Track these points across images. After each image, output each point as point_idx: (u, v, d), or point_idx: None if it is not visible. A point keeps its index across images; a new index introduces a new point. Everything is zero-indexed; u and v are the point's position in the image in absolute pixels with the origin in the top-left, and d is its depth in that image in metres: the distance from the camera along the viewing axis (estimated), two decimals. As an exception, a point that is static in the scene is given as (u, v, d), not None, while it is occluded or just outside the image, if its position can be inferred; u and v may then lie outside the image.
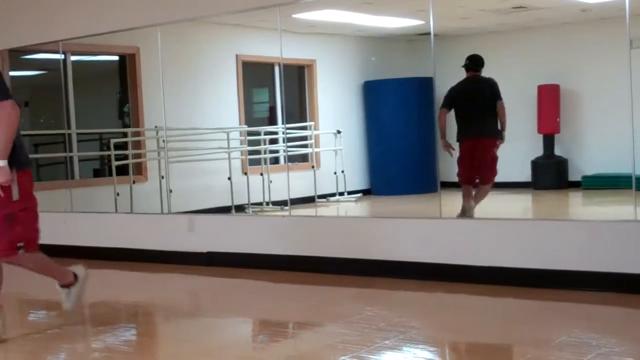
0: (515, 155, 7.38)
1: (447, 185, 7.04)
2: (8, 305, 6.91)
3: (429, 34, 6.40)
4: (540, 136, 8.64)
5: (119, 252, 8.01)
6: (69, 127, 9.09)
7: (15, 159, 4.83)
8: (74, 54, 9.09)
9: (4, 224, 4.83)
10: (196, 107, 8.92)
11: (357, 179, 9.05)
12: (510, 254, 5.86)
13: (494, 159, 7.16)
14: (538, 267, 5.72)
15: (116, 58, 9.55)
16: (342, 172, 8.84)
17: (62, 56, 8.89)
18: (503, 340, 4.70)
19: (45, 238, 8.68)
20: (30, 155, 10.05)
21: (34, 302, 6.73)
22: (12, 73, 9.54)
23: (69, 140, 9.19)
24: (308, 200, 8.43)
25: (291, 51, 7.91)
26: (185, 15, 7.61)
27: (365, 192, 8.99)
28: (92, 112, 9.73)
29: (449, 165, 7.12)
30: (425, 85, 6.96)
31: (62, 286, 5.36)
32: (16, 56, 9.52)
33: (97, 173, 9.92)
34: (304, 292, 6.28)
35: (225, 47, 8.96)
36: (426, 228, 6.35)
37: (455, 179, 7.17)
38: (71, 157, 9.18)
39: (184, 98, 8.74)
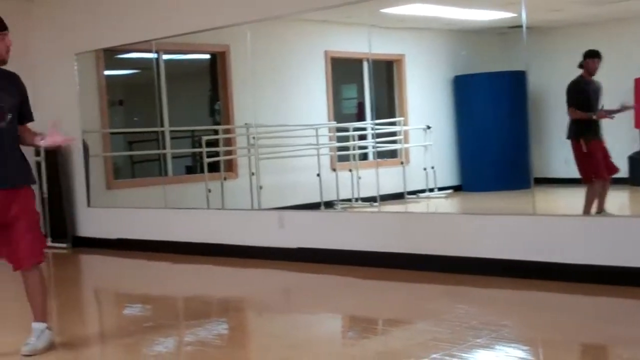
0: (612, 150, 7.20)
1: (541, 182, 6.91)
2: (105, 300, 7.12)
3: (521, 26, 6.29)
4: (637, 131, 8.40)
5: (210, 247, 8.14)
6: (162, 125, 9.27)
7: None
8: (166, 52, 9.26)
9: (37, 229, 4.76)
10: (285, 104, 8.98)
11: (448, 174, 8.96)
12: (602, 251, 5.72)
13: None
14: (633, 265, 5.57)
15: (207, 56, 9.70)
16: (432, 168, 8.77)
17: (155, 55, 9.07)
18: (596, 340, 4.60)
19: (140, 234, 8.94)
20: (125, 153, 10.38)
21: (129, 296, 6.89)
22: (106, 72, 9.80)
23: (162, 137, 9.38)
24: (397, 197, 8.39)
25: (380, 46, 7.88)
26: (275, 13, 7.67)
27: (456, 188, 8.90)
28: (184, 110, 9.89)
29: (542, 161, 7.00)
30: (517, 79, 6.84)
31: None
32: (111, 56, 9.76)
33: (189, 170, 10.09)
34: (393, 289, 6.27)
35: (313, 43, 8.99)
36: (519, 225, 6.25)
37: (550, 175, 7.05)
38: (164, 155, 9.37)
39: (274, 95, 8.81)
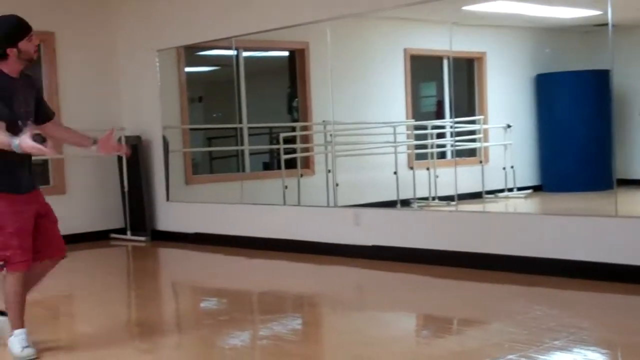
0: None
1: (624, 183, 6.76)
2: (182, 292, 7.22)
3: (606, 24, 6.15)
4: None
5: (286, 243, 8.18)
6: (240, 122, 9.36)
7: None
8: (246, 49, 9.34)
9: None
10: (363, 102, 8.97)
11: (527, 174, 8.84)
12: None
13: None
14: None
15: (286, 53, 9.75)
16: (512, 167, 8.65)
17: (235, 52, 9.16)
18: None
19: (217, 229, 9.04)
20: (204, 149, 10.51)
21: (205, 290, 6.97)
22: (187, 69, 9.93)
23: (240, 134, 9.47)
24: (475, 196, 8.31)
25: (460, 44, 7.81)
26: (355, 11, 7.66)
27: (536, 189, 8.77)
28: (263, 107, 9.97)
29: (625, 162, 6.84)
30: (601, 78, 6.69)
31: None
32: (191, 52, 9.89)
33: (267, 166, 10.17)
34: (469, 289, 6.21)
35: (393, 41, 8.96)
36: (600, 227, 6.13)
37: (633, 177, 6.88)
38: (242, 151, 9.46)
39: (352, 93, 8.81)
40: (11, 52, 4.40)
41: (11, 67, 4.47)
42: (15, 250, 4.41)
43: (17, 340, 4.46)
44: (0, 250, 4.42)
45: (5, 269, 4.44)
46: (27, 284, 4.61)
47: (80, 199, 9.80)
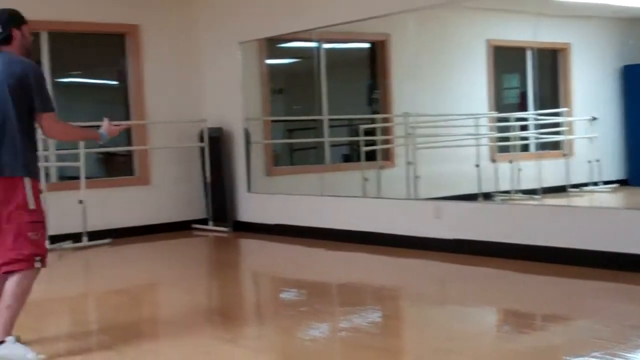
0: None
1: None
2: (262, 283, 7.29)
3: (697, 13, 5.98)
4: None
5: (366, 235, 8.18)
6: (320, 114, 9.38)
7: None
8: (327, 41, 9.36)
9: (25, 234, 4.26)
10: (445, 93, 8.90)
11: (613, 168, 8.64)
12: None
13: None
14: None
15: (367, 45, 9.73)
16: (597, 160, 8.48)
17: (316, 44, 9.18)
18: None
19: (297, 220, 9.10)
20: (285, 141, 10.59)
21: (285, 281, 7.01)
22: (268, 61, 10.00)
23: (320, 126, 9.49)
24: (559, 190, 8.17)
25: (545, 35, 7.68)
26: (437, 1, 7.61)
27: (622, 182, 8.57)
28: (343, 99, 9.97)
29: None
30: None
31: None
32: (273, 45, 9.95)
33: (347, 158, 10.18)
34: (552, 284, 6.11)
35: (475, 31, 8.86)
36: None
37: None
38: (323, 143, 9.48)
39: (433, 84, 8.75)
40: (17, 33, 4.38)
41: (16, 53, 4.41)
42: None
43: (18, 346, 4.21)
44: (44, 245, 4.35)
45: (40, 264, 4.27)
46: None
47: (164, 190, 9.96)
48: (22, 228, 4.21)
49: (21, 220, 4.21)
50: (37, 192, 4.29)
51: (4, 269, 4.24)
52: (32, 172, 4.29)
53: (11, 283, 4.22)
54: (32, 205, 4.23)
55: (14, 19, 4.43)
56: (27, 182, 4.23)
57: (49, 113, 4.33)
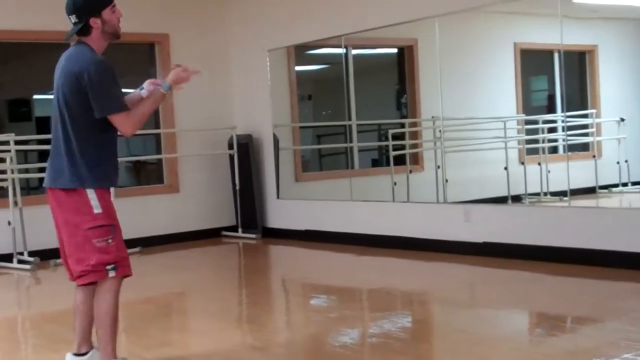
0: None
1: None
2: (292, 289, 7.29)
3: None
4: None
5: (395, 240, 8.15)
6: (349, 119, 9.38)
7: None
8: (354, 47, 9.37)
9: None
10: (473, 97, 8.86)
11: (643, 168, 8.58)
12: None
13: None
14: None
15: (394, 50, 9.72)
16: (626, 161, 8.40)
17: (344, 50, 9.18)
18: None
19: (327, 225, 9.10)
20: (314, 146, 10.58)
21: (315, 287, 7.01)
22: (297, 67, 10.02)
23: (349, 131, 9.49)
24: (588, 191, 8.10)
25: (571, 37, 7.63)
26: (464, 6, 7.59)
27: (651, 183, 8.51)
28: (371, 104, 9.97)
29: None
30: None
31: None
32: (301, 51, 9.97)
33: (375, 163, 10.16)
34: (583, 286, 6.06)
35: (502, 35, 8.83)
36: None
37: None
38: (351, 148, 9.48)
39: (461, 88, 8.71)
40: (95, 23, 3.83)
41: (97, 43, 3.91)
42: (126, 252, 3.95)
43: None
44: (117, 251, 3.85)
45: (115, 272, 3.83)
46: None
47: (193, 198, 10.00)
48: (87, 235, 3.79)
49: (84, 227, 3.79)
50: (102, 197, 3.86)
51: (78, 282, 3.90)
52: (95, 181, 3.85)
53: (95, 303, 3.88)
54: (97, 209, 3.82)
55: (92, 4, 3.84)
56: (90, 192, 3.83)
57: (115, 115, 3.81)
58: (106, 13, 3.87)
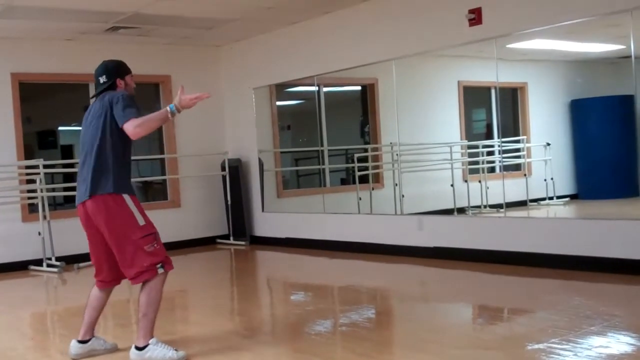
0: None
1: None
2: (275, 287, 7.27)
3: (629, 56, 6.01)
4: None
5: (360, 245, 8.17)
6: (321, 145, 9.40)
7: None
8: (325, 85, 9.38)
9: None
10: (424, 126, 8.90)
11: (565, 184, 8.63)
12: None
13: None
14: None
15: (359, 88, 9.75)
16: (552, 179, 8.47)
17: (317, 88, 9.21)
18: None
19: (304, 234, 9.08)
20: (292, 168, 10.58)
21: (294, 285, 7.00)
22: (278, 102, 10.03)
23: (321, 155, 9.50)
24: (521, 204, 8.15)
25: (505, 76, 7.70)
26: (416, 50, 7.66)
27: (573, 197, 8.55)
28: (340, 132, 9.98)
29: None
30: (626, 102, 6.53)
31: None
32: (281, 89, 9.99)
33: (343, 181, 10.16)
34: (517, 283, 6.10)
35: (448, 74, 8.88)
36: (629, 228, 5.96)
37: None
38: (323, 169, 9.49)
39: (414, 119, 8.74)
40: (120, 83, 4.23)
41: None
42: (166, 251, 4.17)
43: (160, 346, 4.06)
44: (162, 252, 4.09)
45: (163, 269, 4.07)
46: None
47: (192, 211, 9.97)
48: (138, 244, 4.01)
49: (135, 238, 4.00)
50: (140, 207, 4.10)
51: (133, 282, 4.09)
52: (128, 189, 4.09)
53: (142, 294, 4.07)
54: (141, 222, 4.05)
55: (119, 70, 4.27)
56: (127, 198, 4.04)
57: (127, 122, 3.96)
58: (128, 78, 4.30)
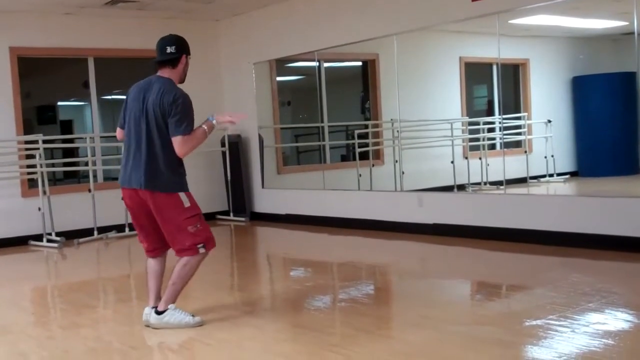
0: None
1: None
2: (275, 263, 7.31)
3: (632, 33, 6.00)
4: None
5: (360, 222, 8.20)
6: (322, 121, 9.40)
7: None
8: (326, 61, 9.37)
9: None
10: (425, 102, 8.90)
11: (566, 162, 8.64)
12: None
13: None
14: None
15: (359, 63, 9.74)
16: (552, 156, 8.48)
17: (317, 63, 9.19)
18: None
19: (303, 210, 9.11)
20: (291, 145, 10.58)
21: (294, 261, 7.04)
22: (278, 78, 10.01)
23: (322, 131, 9.51)
24: (521, 181, 8.17)
25: (507, 52, 7.68)
26: (417, 25, 7.64)
27: (573, 174, 8.57)
28: (340, 109, 9.98)
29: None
30: (628, 79, 6.52)
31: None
32: (281, 64, 9.96)
33: (344, 158, 10.17)
34: (516, 260, 6.14)
35: (450, 50, 8.86)
36: (628, 205, 5.98)
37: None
38: (324, 146, 9.50)
39: (415, 95, 8.74)
40: (184, 59, 4.26)
41: (176, 78, 4.28)
42: (210, 231, 4.35)
43: (178, 312, 4.29)
44: (204, 232, 4.27)
45: (204, 249, 4.26)
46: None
47: (192, 187, 9.75)
48: (182, 225, 4.19)
49: (180, 219, 4.19)
50: (188, 193, 4.30)
51: (176, 255, 4.29)
52: (180, 185, 4.31)
53: (178, 264, 4.28)
54: (186, 203, 4.24)
55: (187, 47, 4.30)
56: (182, 194, 4.28)
57: (177, 137, 4.14)
58: (189, 58, 4.31)
